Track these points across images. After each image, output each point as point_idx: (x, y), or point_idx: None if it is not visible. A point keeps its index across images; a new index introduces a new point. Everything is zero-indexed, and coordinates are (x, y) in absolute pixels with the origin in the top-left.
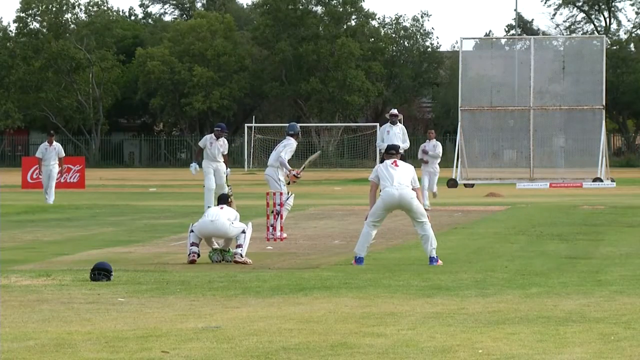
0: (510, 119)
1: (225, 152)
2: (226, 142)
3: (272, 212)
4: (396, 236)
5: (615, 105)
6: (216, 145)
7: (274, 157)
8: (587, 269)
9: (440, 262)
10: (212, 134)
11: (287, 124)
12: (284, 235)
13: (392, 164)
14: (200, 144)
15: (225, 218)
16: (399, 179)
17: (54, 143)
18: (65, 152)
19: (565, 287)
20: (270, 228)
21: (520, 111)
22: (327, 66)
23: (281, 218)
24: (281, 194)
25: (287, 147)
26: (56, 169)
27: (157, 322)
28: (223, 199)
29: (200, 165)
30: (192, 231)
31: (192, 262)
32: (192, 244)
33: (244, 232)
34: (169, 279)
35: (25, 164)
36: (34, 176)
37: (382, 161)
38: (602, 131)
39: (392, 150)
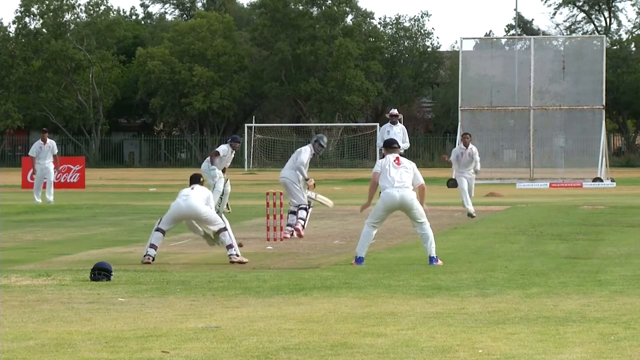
0: (510, 119)
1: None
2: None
3: (290, 212)
4: (396, 236)
5: (615, 105)
6: (229, 157)
7: (296, 162)
8: (587, 269)
9: (440, 262)
10: (229, 145)
11: (316, 135)
12: (288, 235)
13: (394, 161)
14: (222, 152)
15: (196, 197)
16: (400, 180)
17: (48, 140)
18: (65, 152)
19: (565, 287)
20: (286, 226)
21: (520, 111)
22: (325, 66)
23: (284, 219)
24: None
25: (305, 153)
26: (52, 166)
27: (157, 322)
28: (195, 179)
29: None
30: (158, 230)
31: (147, 263)
32: (151, 246)
33: (225, 229)
34: (169, 278)
35: (25, 164)
36: (34, 176)
37: (383, 156)
38: (602, 131)
39: (394, 144)
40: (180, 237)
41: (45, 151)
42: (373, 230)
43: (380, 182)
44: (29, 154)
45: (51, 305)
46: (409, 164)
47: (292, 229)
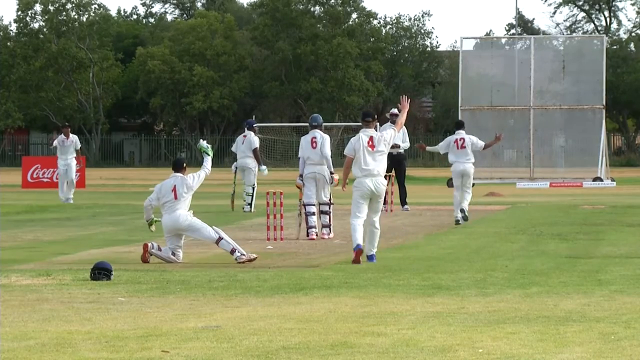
0: (510, 119)
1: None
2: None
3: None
4: (396, 236)
5: (616, 105)
6: None
7: (321, 155)
8: (587, 269)
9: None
10: (252, 132)
11: (312, 116)
12: (331, 235)
13: (368, 143)
14: (257, 143)
15: (181, 209)
16: (374, 169)
17: (71, 135)
18: None
19: (565, 287)
20: (322, 227)
21: (520, 111)
22: (326, 66)
23: (284, 218)
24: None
25: (328, 142)
26: (74, 163)
27: (157, 321)
28: (179, 165)
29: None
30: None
31: (145, 260)
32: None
33: (221, 238)
34: (169, 278)
35: (25, 163)
36: (34, 175)
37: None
38: (602, 131)
39: (367, 118)
40: None
41: (67, 146)
42: (357, 220)
43: (353, 169)
44: (53, 144)
45: (51, 305)
46: (384, 144)
47: (329, 229)
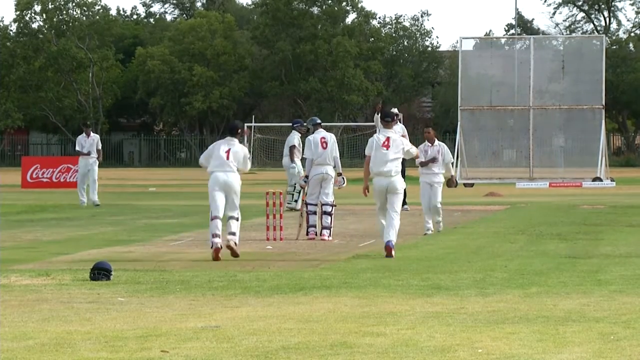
0: (509, 119)
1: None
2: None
3: (313, 213)
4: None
5: (615, 105)
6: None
7: (330, 155)
8: (587, 269)
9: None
10: (297, 132)
11: (311, 118)
12: (330, 237)
13: (384, 143)
14: (298, 143)
15: (235, 169)
16: (388, 167)
17: (92, 135)
18: (65, 151)
19: (564, 287)
20: (322, 229)
21: (519, 111)
22: (325, 66)
23: (283, 218)
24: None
25: (335, 143)
26: (97, 163)
27: (156, 321)
28: (232, 130)
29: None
30: (213, 218)
31: (216, 258)
32: (214, 235)
33: (237, 219)
34: (169, 278)
35: (24, 163)
36: (34, 175)
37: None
38: (602, 131)
39: (387, 118)
40: (180, 236)
41: (89, 145)
42: (381, 218)
43: (370, 167)
44: (76, 148)
45: (51, 305)
46: (399, 145)
47: (330, 231)
